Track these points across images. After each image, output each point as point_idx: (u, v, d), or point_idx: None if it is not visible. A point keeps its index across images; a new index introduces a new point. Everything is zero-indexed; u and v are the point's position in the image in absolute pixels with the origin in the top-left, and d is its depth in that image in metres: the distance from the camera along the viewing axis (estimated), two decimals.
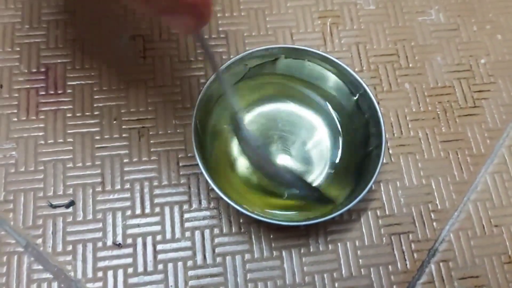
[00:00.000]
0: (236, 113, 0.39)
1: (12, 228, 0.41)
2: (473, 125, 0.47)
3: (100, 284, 0.40)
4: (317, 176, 0.43)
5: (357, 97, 0.43)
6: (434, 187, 0.45)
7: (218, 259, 0.41)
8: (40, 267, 0.40)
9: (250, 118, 0.45)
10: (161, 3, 0.26)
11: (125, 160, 0.44)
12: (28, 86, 0.45)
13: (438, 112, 0.48)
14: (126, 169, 0.43)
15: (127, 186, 0.43)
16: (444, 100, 0.48)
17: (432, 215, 0.44)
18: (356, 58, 0.49)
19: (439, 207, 0.44)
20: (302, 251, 0.42)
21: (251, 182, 0.43)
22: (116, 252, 0.41)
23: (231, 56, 0.45)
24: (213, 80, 0.41)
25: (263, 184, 0.43)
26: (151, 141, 0.44)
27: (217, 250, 0.42)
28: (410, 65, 0.49)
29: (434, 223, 0.44)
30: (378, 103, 0.46)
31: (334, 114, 0.45)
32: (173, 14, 0.28)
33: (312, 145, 0.44)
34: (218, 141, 0.44)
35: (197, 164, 0.39)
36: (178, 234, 0.42)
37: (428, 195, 0.45)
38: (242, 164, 0.43)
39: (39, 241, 0.41)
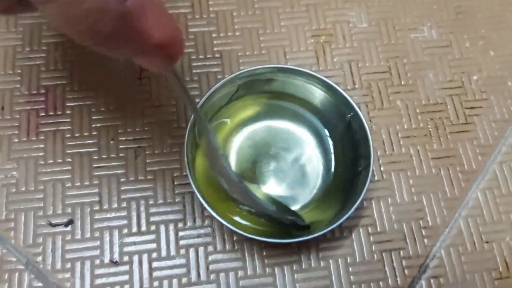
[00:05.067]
0: (217, 149, 0.39)
1: (13, 246, 0.43)
2: (464, 141, 0.48)
3: None
4: (307, 195, 0.44)
5: (349, 117, 0.44)
6: (425, 203, 0.46)
7: (212, 276, 0.42)
8: (40, 284, 0.42)
9: (242, 136, 0.46)
10: (128, 48, 0.26)
11: (122, 180, 0.45)
12: (28, 107, 0.47)
13: (430, 129, 0.48)
14: (122, 188, 0.45)
15: (124, 204, 0.44)
16: (436, 117, 0.49)
17: (423, 232, 0.45)
18: (348, 76, 0.50)
19: (430, 223, 0.45)
20: (294, 267, 0.43)
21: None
22: (113, 269, 0.42)
23: (226, 76, 0.46)
24: (206, 100, 0.43)
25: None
26: (147, 161, 0.46)
27: (211, 267, 0.43)
28: (402, 82, 0.50)
29: (425, 240, 0.44)
30: (370, 121, 0.48)
31: (326, 134, 0.46)
32: (142, 57, 0.27)
33: (303, 164, 0.45)
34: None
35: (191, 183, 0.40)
36: (173, 252, 0.43)
37: (419, 211, 0.45)
38: None
39: (39, 258, 0.42)
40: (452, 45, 0.52)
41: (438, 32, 0.52)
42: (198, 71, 0.49)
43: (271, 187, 0.44)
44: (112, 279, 0.42)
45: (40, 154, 0.45)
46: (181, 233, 0.44)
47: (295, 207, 0.44)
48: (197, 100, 0.47)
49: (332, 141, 0.46)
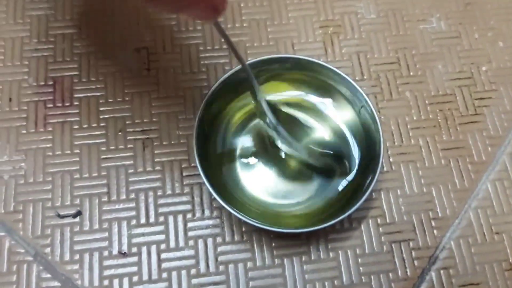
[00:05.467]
0: (257, 91, 0.40)
1: (22, 237, 0.43)
2: (474, 132, 0.48)
3: None
4: (317, 185, 0.44)
5: (359, 108, 0.44)
6: (434, 195, 0.45)
7: (221, 267, 0.42)
8: (49, 275, 0.42)
9: (254, 125, 0.46)
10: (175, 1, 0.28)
11: (130, 171, 0.45)
12: (36, 99, 0.47)
13: (439, 120, 0.48)
14: (131, 179, 0.45)
15: (132, 196, 0.44)
16: (445, 108, 0.48)
17: (433, 223, 0.44)
18: (357, 67, 0.49)
19: (439, 214, 0.45)
20: (303, 259, 0.43)
21: (253, 191, 0.44)
22: (121, 260, 0.42)
23: (233, 67, 0.46)
24: (215, 91, 0.42)
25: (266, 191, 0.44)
26: (155, 152, 0.45)
27: (220, 258, 0.43)
28: (411, 73, 0.50)
29: (435, 231, 0.44)
30: (379, 112, 0.47)
31: (337, 124, 0.46)
32: (188, 9, 0.29)
33: (316, 151, 0.45)
34: (220, 150, 0.45)
35: (200, 174, 0.40)
36: (181, 243, 0.43)
37: (429, 203, 0.45)
38: (244, 174, 0.44)
39: (48, 250, 0.42)
40: (461, 36, 0.52)
41: (447, 23, 0.52)
42: (206, 62, 0.49)
43: (278, 176, 0.44)
44: (120, 271, 0.42)
45: (48, 145, 0.45)
46: (189, 224, 0.43)
47: (303, 197, 0.43)
48: (205, 91, 0.47)
49: (344, 132, 0.45)
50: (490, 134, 0.48)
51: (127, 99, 0.47)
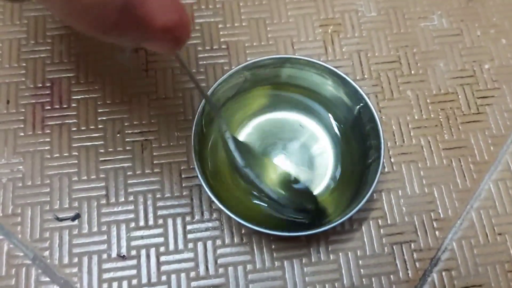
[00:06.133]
0: (225, 132, 0.40)
1: (20, 241, 0.42)
2: (476, 132, 0.47)
3: None
4: (316, 188, 0.43)
5: (358, 108, 0.43)
6: (436, 195, 0.45)
7: (221, 270, 0.42)
8: (48, 279, 0.41)
9: (251, 128, 0.45)
10: (133, 35, 0.26)
11: (129, 173, 0.44)
12: (34, 101, 0.46)
13: (441, 119, 0.47)
14: (129, 181, 0.44)
15: (131, 198, 0.44)
16: (447, 107, 0.48)
17: (435, 224, 0.44)
18: (357, 66, 0.49)
19: (441, 215, 0.44)
20: (303, 261, 0.43)
21: (252, 192, 0.43)
22: (120, 263, 0.42)
23: (233, 67, 0.45)
24: (213, 92, 0.42)
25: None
26: (154, 154, 0.45)
27: (219, 261, 0.42)
28: (412, 72, 0.49)
29: (437, 232, 0.44)
30: (380, 111, 0.47)
31: (336, 125, 0.45)
32: (149, 42, 0.27)
33: (311, 156, 0.45)
34: (219, 151, 0.44)
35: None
36: (181, 246, 0.43)
37: (431, 203, 0.45)
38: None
39: (46, 253, 0.42)
40: (463, 33, 0.51)
41: (449, 21, 0.51)
42: (205, 62, 0.48)
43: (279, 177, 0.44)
44: (119, 274, 0.42)
45: (46, 148, 0.45)
46: (189, 227, 0.43)
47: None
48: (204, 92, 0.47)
49: (341, 133, 0.45)
50: (493, 133, 0.47)
51: (125, 100, 0.47)
